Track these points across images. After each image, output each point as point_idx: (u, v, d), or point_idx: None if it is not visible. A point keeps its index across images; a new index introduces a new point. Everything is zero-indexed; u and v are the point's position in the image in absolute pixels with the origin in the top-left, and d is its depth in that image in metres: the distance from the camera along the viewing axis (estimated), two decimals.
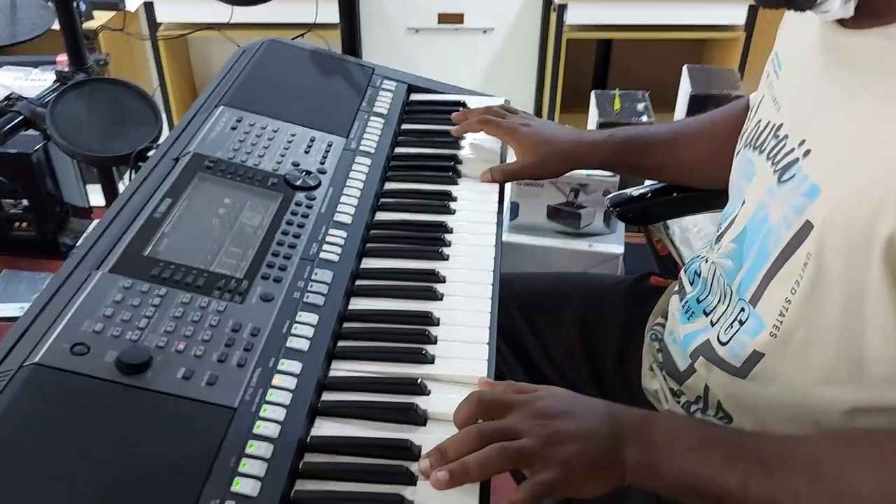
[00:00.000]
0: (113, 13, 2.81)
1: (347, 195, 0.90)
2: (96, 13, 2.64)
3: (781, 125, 0.71)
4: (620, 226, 1.80)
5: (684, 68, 2.41)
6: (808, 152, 0.65)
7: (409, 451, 0.64)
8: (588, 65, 3.13)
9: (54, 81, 1.46)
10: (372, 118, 1.03)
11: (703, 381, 0.78)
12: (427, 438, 0.65)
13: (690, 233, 1.40)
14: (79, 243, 1.89)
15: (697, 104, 2.20)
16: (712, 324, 0.77)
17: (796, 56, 0.73)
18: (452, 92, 1.15)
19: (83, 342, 0.65)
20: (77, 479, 0.57)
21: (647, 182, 1.08)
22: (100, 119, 1.37)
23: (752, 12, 2.74)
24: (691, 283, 0.84)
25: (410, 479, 0.62)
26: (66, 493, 0.56)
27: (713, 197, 1.01)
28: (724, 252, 0.77)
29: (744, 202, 0.75)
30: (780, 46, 0.79)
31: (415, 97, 1.13)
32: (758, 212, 0.71)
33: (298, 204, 0.86)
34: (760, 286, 0.69)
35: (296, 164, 0.91)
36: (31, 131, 1.46)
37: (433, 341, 0.75)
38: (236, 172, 0.88)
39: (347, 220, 0.87)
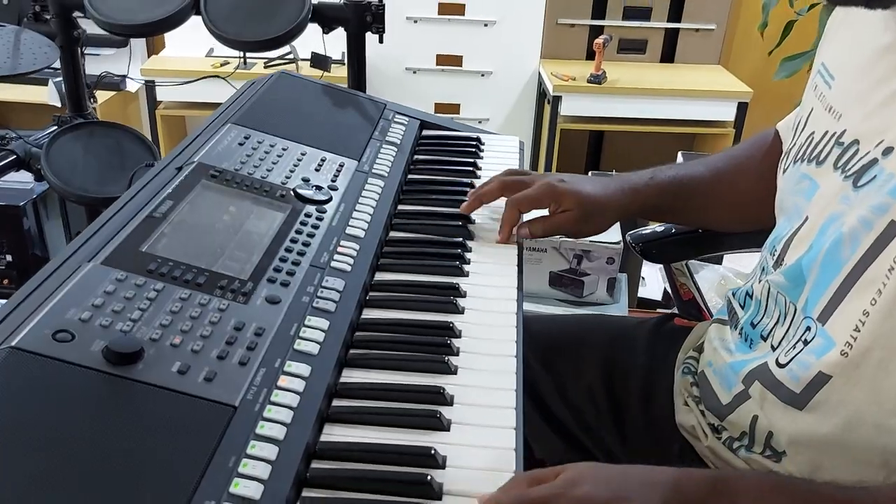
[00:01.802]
0: (113, 93, 2.84)
1: (360, 211, 0.85)
2: (97, 93, 2.65)
3: (844, 131, 0.68)
4: (624, 295, 1.75)
5: (679, 154, 2.44)
6: (889, 150, 0.61)
7: (433, 458, 0.56)
8: (581, 150, 3.18)
9: (52, 125, 1.42)
10: (385, 146, 1.00)
11: (750, 414, 0.71)
12: (452, 450, 0.58)
13: (715, 284, 1.35)
14: None
15: None
16: (773, 348, 0.71)
17: (854, 62, 0.71)
18: (465, 130, 1.12)
19: (67, 329, 0.58)
20: (54, 473, 0.48)
21: None
22: (97, 161, 1.33)
23: (741, 109, 2.81)
24: (742, 307, 0.78)
25: (433, 492, 0.54)
26: (41, 486, 0.47)
27: (739, 236, 0.97)
28: (782, 270, 0.71)
29: (806, 218, 0.70)
30: (827, 57, 0.76)
31: (427, 132, 1.10)
32: (828, 224, 0.66)
33: (308, 215, 0.81)
34: (833, 301, 0.63)
35: (306, 180, 0.87)
36: (22, 183, 1.42)
37: (455, 353, 0.68)
38: (243, 182, 0.83)
39: (360, 234, 0.81)
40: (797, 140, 0.76)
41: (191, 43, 2.83)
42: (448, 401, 0.63)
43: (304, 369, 0.62)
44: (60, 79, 2.20)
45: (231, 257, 0.72)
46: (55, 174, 1.28)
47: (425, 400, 0.62)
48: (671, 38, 3.06)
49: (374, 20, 1.37)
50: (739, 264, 1.86)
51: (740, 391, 0.72)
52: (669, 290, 1.04)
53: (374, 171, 0.93)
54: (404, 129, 1.06)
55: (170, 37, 2.96)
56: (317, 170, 0.90)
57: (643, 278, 2.28)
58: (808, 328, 0.65)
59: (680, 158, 2.43)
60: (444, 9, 2.90)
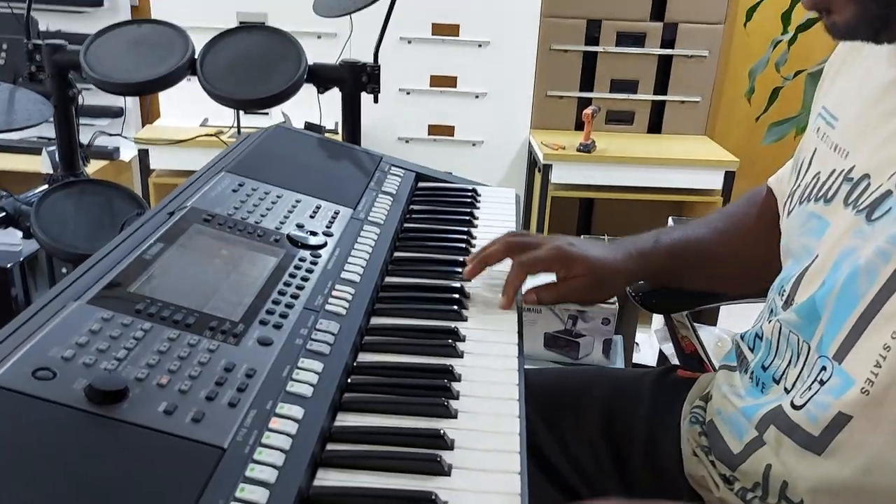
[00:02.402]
0: (106, 162, 2.85)
1: (355, 256, 0.83)
2: (91, 162, 2.67)
3: (853, 167, 0.67)
4: (620, 357, 1.72)
5: (670, 219, 2.45)
6: None
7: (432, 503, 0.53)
8: (572, 216, 3.20)
9: (43, 183, 1.41)
10: (381, 195, 0.99)
11: (764, 462, 0.68)
12: (453, 496, 0.54)
13: (712, 345, 1.32)
14: None
15: None
16: (787, 390, 0.68)
17: (858, 100, 0.71)
18: (462, 183, 1.12)
19: (48, 367, 0.55)
20: None
21: None
22: (87, 218, 1.32)
23: (728, 178, 2.85)
24: (752, 349, 0.76)
25: None
26: None
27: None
28: (795, 308, 0.69)
29: (817, 255, 0.69)
30: (827, 101, 0.77)
31: (423, 184, 1.09)
32: (843, 259, 0.64)
33: (302, 259, 0.79)
34: (850, 337, 0.61)
35: (300, 226, 0.85)
36: (10, 245, 1.40)
37: (455, 396, 0.65)
38: (236, 227, 0.81)
39: (355, 278, 0.79)
40: (801, 181, 0.75)
41: (185, 113, 2.86)
42: (449, 445, 0.59)
43: (296, 411, 0.59)
44: (54, 147, 2.21)
45: (222, 299, 0.69)
46: (44, 231, 1.27)
47: (425, 444, 0.59)
48: (658, 109, 3.13)
49: (369, 80, 1.39)
50: (735, 326, 1.84)
51: (753, 438, 0.70)
52: (671, 342, 1.01)
53: (369, 218, 0.92)
54: (400, 180, 1.05)
55: (164, 106, 3.00)
56: (311, 216, 0.88)
57: (637, 344, 2.26)
58: (824, 367, 0.63)
59: (671, 224, 2.45)
60: (435, 81, 2.96)
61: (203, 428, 0.54)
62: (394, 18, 1.38)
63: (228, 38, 1.38)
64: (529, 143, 2.99)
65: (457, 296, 0.80)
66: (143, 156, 2.78)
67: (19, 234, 1.34)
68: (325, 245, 0.83)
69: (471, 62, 2.96)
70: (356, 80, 1.39)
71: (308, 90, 1.41)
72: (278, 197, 0.90)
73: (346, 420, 0.62)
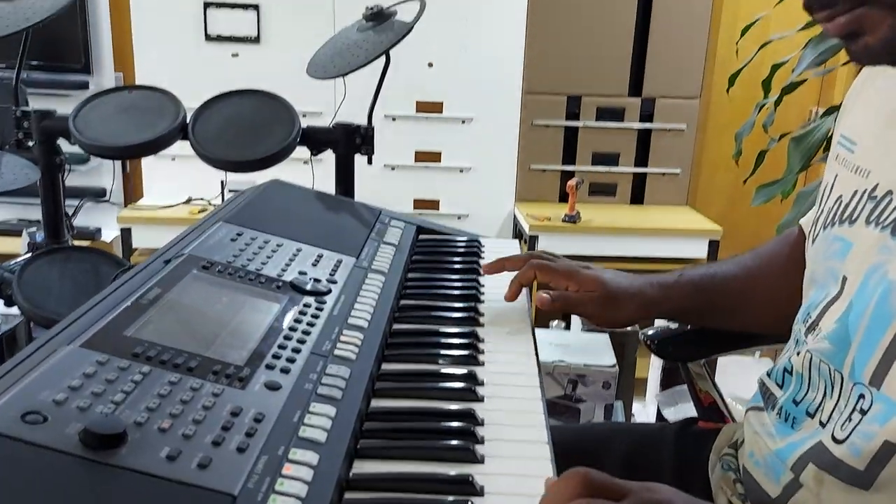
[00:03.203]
0: (88, 242, 2.80)
1: (361, 303, 0.79)
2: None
3: (876, 185, 0.66)
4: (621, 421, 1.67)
5: None
6: None
7: None
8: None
9: (27, 251, 1.37)
10: (383, 245, 0.96)
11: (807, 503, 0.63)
12: None
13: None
14: None
15: None
16: (822, 424, 0.64)
17: (878, 121, 0.70)
18: (463, 235, 1.09)
19: (38, 411, 0.50)
20: None
21: None
22: (72, 284, 1.27)
23: (713, 246, 2.87)
24: (780, 385, 0.72)
25: None
26: None
27: (758, 333, 0.92)
28: (822, 335, 0.66)
29: (844, 278, 0.66)
30: (845, 128, 0.76)
31: (425, 236, 1.06)
32: (869, 278, 0.62)
33: (307, 305, 0.75)
34: (885, 359, 0.58)
35: (303, 273, 0.81)
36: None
37: (480, 441, 0.60)
38: (236, 274, 0.77)
39: (363, 324, 0.75)
40: (824, 207, 0.74)
41: (169, 192, 2.84)
42: (479, 491, 0.54)
43: (311, 457, 0.54)
44: (35, 228, 2.16)
45: (224, 344, 0.65)
46: (27, 298, 1.21)
47: (452, 491, 0.54)
48: (639, 181, 3.16)
49: (363, 142, 1.38)
50: (736, 387, 1.79)
51: (790, 480, 0.65)
52: (689, 393, 0.97)
53: (373, 267, 0.89)
54: (401, 232, 1.02)
55: (148, 186, 2.98)
56: (314, 265, 0.84)
57: (633, 415, 2.19)
58: (862, 395, 0.59)
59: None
60: (420, 156, 2.99)
61: (210, 474, 0.49)
62: (378, 96, 1.38)
63: (221, 101, 1.37)
64: (514, 215, 3.00)
65: (471, 340, 0.76)
66: (126, 235, 2.75)
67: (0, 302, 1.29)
68: (329, 292, 0.79)
69: (455, 138, 2.99)
70: (350, 141, 1.38)
71: (300, 154, 1.40)
72: (278, 245, 0.86)
73: (365, 467, 0.57)
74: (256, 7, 2.88)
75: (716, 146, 3.24)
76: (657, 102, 3.13)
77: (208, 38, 2.88)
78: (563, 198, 2.95)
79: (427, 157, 2.99)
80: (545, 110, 3.07)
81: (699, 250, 2.87)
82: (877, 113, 0.70)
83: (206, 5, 2.86)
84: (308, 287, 0.78)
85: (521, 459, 0.59)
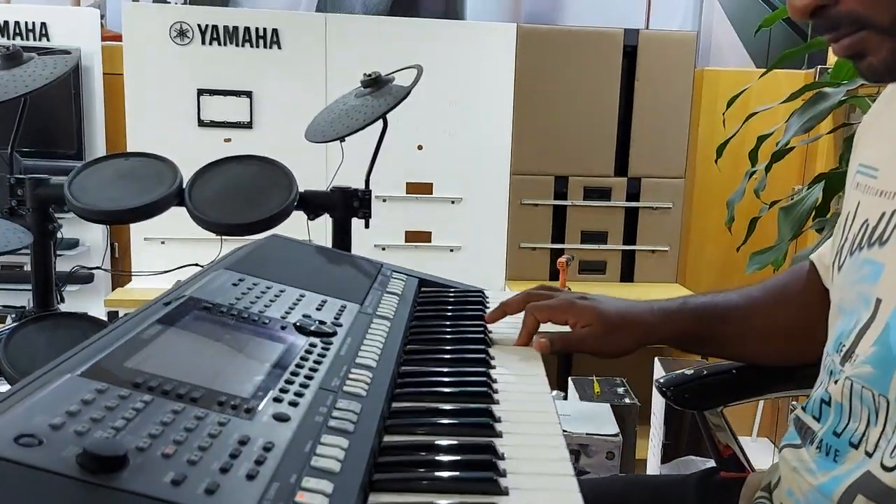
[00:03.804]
0: None
1: (368, 344, 0.76)
2: None
3: None
4: None
5: (656, 360, 2.42)
6: None
7: None
8: (551, 363, 3.12)
9: (14, 319, 1.33)
10: (386, 294, 0.93)
11: None
12: None
13: None
14: None
15: None
16: (868, 454, 0.61)
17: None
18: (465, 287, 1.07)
19: (33, 434, 0.47)
20: None
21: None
22: (61, 353, 1.22)
23: None
24: (818, 419, 0.69)
25: None
26: None
27: (776, 378, 0.90)
28: (861, 361, 0.64)
29: (878, 300, 0.65)
30: (863, 158, 0.76)
31: (428, 288, 1.04)
32: None
33: (313, 345, 0.72)
34: None
35: (307, 316, 0.79)
36: None
37: (502, 474, 0.57)
38: (239, 315, 0.75)
39: (371, 363, 0.72)
40: (848, 234, 0.73)
41: (157, 277, 2.82)
42: None
43: (325, 485, 0.50)
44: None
45: (228, 378, 0.62)
46: (13, 366, 1.17)
47: None
48: (628, 258, 3.18)
49: (360, 206, 1.37)
50: None
51: None
52: (708, 445, 0.93)
53: (378, 313, 0.86)
54: (404, 283, 1.00)
55: (137, 270, 2.95)
56: (317, 309, 0.82)
57: None
58: None
59: (657, 365, 2.40)
60: (410, 236, 3.00)
61: (219, 499, 0.45)
62: (374, 165, 1.40)
63: (218, 167, 1.37)
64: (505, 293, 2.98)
65: (483, 378, 0.73)
66: (113, 318, 2.70)
67: None
68: (335, 333, 0.76)
69: (444, 218, 3.01)
70: (347, 205, 1.38)
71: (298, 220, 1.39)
72: (281, 291, 0.84)
73: (382, 499, 0.53)
74: (249, 94, 2.94)
75: (702, 222, 3.29)
76: (643, 182, 3.19)
77: (201, 123, 2.93)
78: (554, 276, 2.95)
79: (417, 237, 3.01)
80: (533, 190, 3.11)
81: None
82: (894, 134, 0.71)
83: (200, 92, 2.92)
84: (313, 328, 0.75)
85: (547, 491, 0.55)
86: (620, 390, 2.18)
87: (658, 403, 2.29)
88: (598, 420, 1.62)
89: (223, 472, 0.48)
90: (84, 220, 1.29)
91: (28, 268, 2.77)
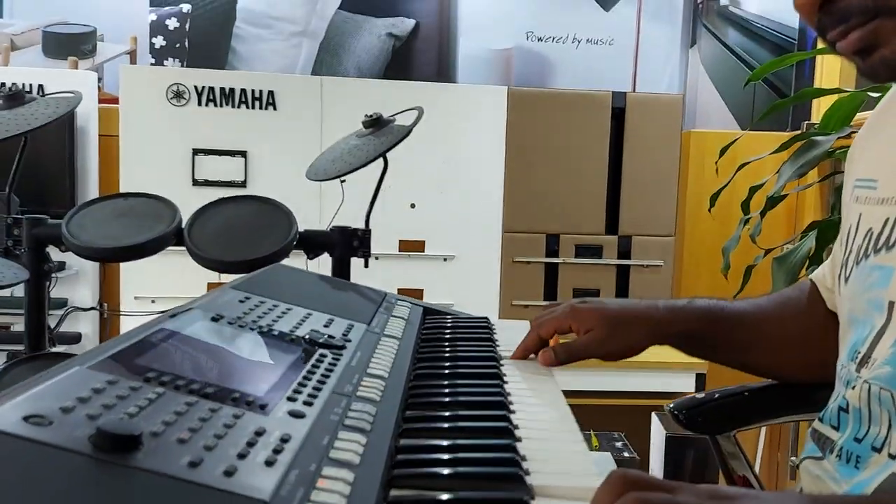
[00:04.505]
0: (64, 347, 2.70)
1: (379, 357, 0.75)
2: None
3: None
4: None
5: (653, 414, 2.39)
6: None
7: None
8: None
9: (5, 362, 1.30)
10: (392, 318, 0.92)
11: None
12: None
13: None
14: None
15: (674, 444, 2.17)
16: (892, 456, 0.60)
17: (893, 154, 0.71)
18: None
19: (43, 415, 0.45)
20: None
21: None
22: None
23: (700, 380, 2.85)
24: (836, 427, 0.68)
25: None
26: None
27: (790, 400, 0.89)
28: (880, 363, 0.63)
29: (891, 304, 0.64)
30: (859, 172, 0.76)
31: (433, 316, 1.03)
32: None
33: (323, 356, 0.70)
34: None
35: (315, 331, 0.77)
36: None
37: (526, 472, 0.55)
38: (248, 326, 0.73)
39: (383, 373, 0.70)
40: (852, 246, 0.73)
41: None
42: None
43: (346, 474, 0.48)
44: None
45: (240, 380, 0.60)
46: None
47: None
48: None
49: (360, 245, 1.37)
50: None
51: None
52: (723, 475, 0.91)
53: (385, 333, 0.85)
54: (409, 310, 0.99)
55: (125, 328, 2.91)
56: (325, 326, 0.80)
57: None
58: None
59: (654, 419, 2.37)
60: (403, 294, 2.98)
61: (238, 480, 0.43)
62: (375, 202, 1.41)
63: (218, 206, 1.37)
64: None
65: (498, 389, 0.71)
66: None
67: None
68: (345, 347, 0.74)
69: (437, 275, 3.01)
70: (347, 245, 1.37)
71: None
72: (288, 309, 0.83)
73: (405, 493, 0.51)
74: (244, 154, 2.97)
75: (693, 280, 3.30)
76: (633, 240, 3.22)
77: (195, 182, 2.94)
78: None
79: (410, 295, 2.98)
80: (525, 247, 3.13)
81: (687, 384, 2.84)
82: (891, 143, 0.72)
83: (195, 152, 2.94)
84: (322, 341, 0.74)
85: (574, 489, 0.53)
86: (619, 444, 2.14)
87: (657, 459, 2.25)
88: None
89: (241, 457, 0.46)
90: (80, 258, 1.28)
91: (15, 327, 2.72)
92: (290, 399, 0.58)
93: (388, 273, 2.94)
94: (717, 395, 0.90)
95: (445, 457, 0.55)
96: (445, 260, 3.04)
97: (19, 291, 2.64)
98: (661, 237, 3.23)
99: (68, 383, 0.50)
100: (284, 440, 0.50)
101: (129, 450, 0.43)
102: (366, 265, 1.39)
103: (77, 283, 2.89)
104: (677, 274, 3.27)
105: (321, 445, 0.51)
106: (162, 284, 2.75)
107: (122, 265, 2.88)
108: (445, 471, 0.52)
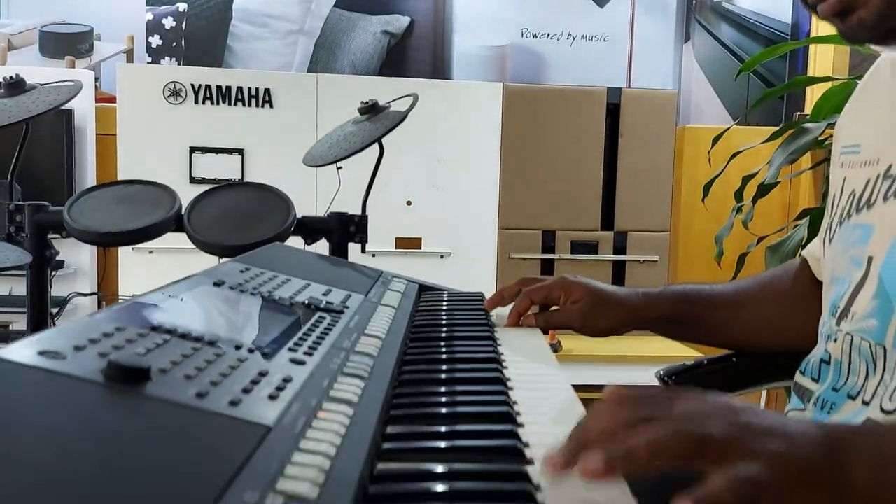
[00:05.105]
0: None
1: (376, 322, 0.77)
2: None
3: (890, 166, 0.68)
4: None
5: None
6: None
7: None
8: None
9: None
10: (389, 291, 0.94)
11: None
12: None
13: None
14: None
15: None
16: (865, 403, 0.62)
17: (879, 115, 0.73)
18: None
19: (58, 351, 0.47)
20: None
21: None
22: None
23: None
24: (816, 379, 0.70)
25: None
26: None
27: (777, 366, 0.91)
28: (861, 315, 0.65)
29: (870, 259, 0.67)
30: (844, 139, 0.79)
31: (429, 291, 1.05)
32: (895, 245, 0.63)
33: (322, 318, 0.72)
34: None
35: (314, 297, 0.79)
36: None
37: (515, 413, 0.57)
38: (249, 292, 0.75)
39: (381, 334, 0.72)
40: (837, 208, 0.75)
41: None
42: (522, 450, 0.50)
43: (346, 409, 0.50)
44: None
45: (243, 333, 0.62)
46: None
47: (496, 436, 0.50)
48: None
49: (357, 230, 1.39)
50: None
51: None
52: None
53: (382, 302, 0.87)
54: (405, 285, 1.01)
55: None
56: (324, 294, 0.83)
57: None
58: None
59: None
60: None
61: (243, 409, 0.45)
62: (372, 187, 1.43)
63: (217, 193, 1.39)
64: None
65: (493, 353, 0.73)
66: None
67: None
68: (343, 312, 0.77)
69: (433, 272, 3.03)
70: (344, 230, 1.39)
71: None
72: (287, 280, 0.85)
73: (401, 429, 0.53)
74: (241, 151, 2.99)
75: (688, 275, 3.32)
76: (629, 236, 3.24)
77: (193, 180, 2.95)
78: (543, 329, 2.96)
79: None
80: (521, 244, 3.15)
81: None
82: (877, 108, 0.74)
83: (192, 150, 2.96)
84: (321, 306, 0.76)
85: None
86: None
87: None
88: None
89: (245, 392, 0.48)
90: (79, 243, 1.30)
91: (14, 326, 2.73)
92: (291, 350, 0.60)
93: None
94: (705, 362, 0.93)
95: (443, 399, 0.57)
96: (442, 257, 3.06)
97: (18, 290, 2.66)
98: (656, 232, 3.26)
99: (79, 328, 0.52)
100: (286, 381, 0.52)
101: (140, 381, 0.45)
102: (363, 250, 1.41)
103: (76, 280, 2.91)
104: (673, 269, 3.30)
105: (321, 387, 0.53)
106: (159, 283, 2.77)
107: (120, 262, 2.90)
108: (443, 410, 0.54)
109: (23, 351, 0.45)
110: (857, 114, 0.80)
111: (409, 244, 3.08)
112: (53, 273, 2.57)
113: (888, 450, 0.44)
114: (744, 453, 0.40)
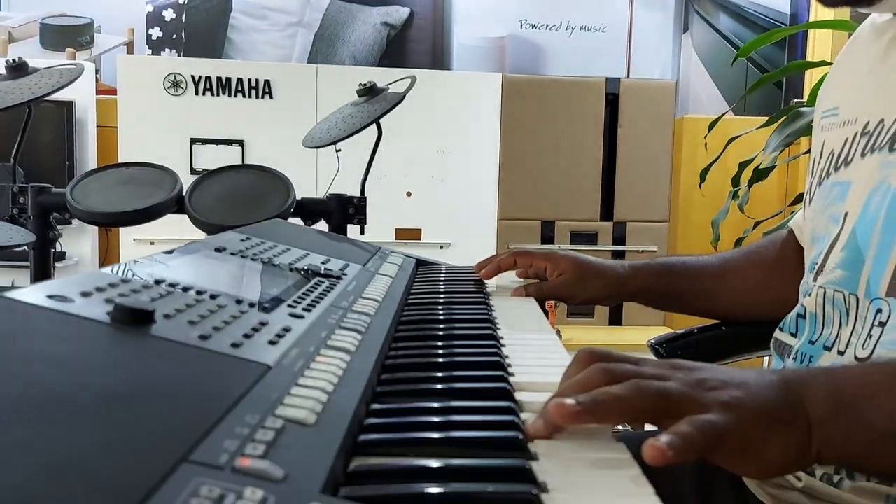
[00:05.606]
0: None
1: (373, 287, 0.78)
2: None
3: (868, 122, 0.69)
4: None
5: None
6: None
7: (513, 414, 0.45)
8: None
9: None
10: (386, 263, 0.96)
11: None
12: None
13: None
14: None
15: None
16: (841, 353, 0.64)
17: (856, 78, 0.75)
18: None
19: (66, 295, 0.48)
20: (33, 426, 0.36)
21: None
22: None
23: None
24: (794, 334, 0.72)
25: (523, 449, 0.43)
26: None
27: (767, 333, 0.92)
28: (833, 267, 0.67)
29: (846, 214, 0.68)
30: (824, 105, 0.80)
31: (426, 266, 1.07)
32: (871, 198, 0.64)
33: (321, 282, 0.74)
34: None
35: (313, 265, 0.81)
36: None
37: (507, 365, 0.59)
38: (249, 258, 0.77)
39: (378, 297, 0.74)
40: (817, 170, 0.76)
41: None
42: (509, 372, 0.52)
43: (343, 356, 0.52)
44: None
45: (244, 291, 0.64)
46: None
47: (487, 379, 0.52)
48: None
49: (356, 212, 1.41)
50: None
51: None
52: None
53: (380, 272, 0.89)
54: (402, 259, 1.03)
55: None
56: (322, 263, 0.84)
57: None
58: (880, 310, 0.60)
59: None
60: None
61: (244, 350, 0.47)
62: (370, 171, 1.45)
63: (218, 174, 1.41)
64: None
65: (488, 316, 0.75)
66: None
67: None
68: (341, 278, 0.78)
69: None
70: (343, 212, 1.41)
71: None
72: (286, 249, 0.86)
73: (398, 375, 0.55)
74: (241, 142, 3.01)
75: None
76: (628, 226, 3.26)
77: (193, 171, 2.97)
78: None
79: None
80: (521, 234, 3.17)
81: None
82: (854, 72, 0.75)
83: (193, 141, 2.98)
84: (320, 272, 0.78)
85: (552, 384, 0.57)
86: None
87: None
88: None
89: (246, 337, 0.50)
90: (81, 225, 1.31)
91: None
92: (290, 306, 0.62)
93: None
94: (695, 330, 0.95)
95: (440, 352, 0.59)
96: (442, 248, 3.08)
97: (21, 281, 2.68)
98: (655, 222, 3.27)
99: (85, 278, 0.54)
100: (286, 330, 0.54)
101: (145, 322, 0.47)
102: (361, 232, 1.43)
103: (77, 271, 2.93)
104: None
105: (319, 337, 0.55)
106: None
107: (121, 252, 2.92)
108: (440, 360, 0.56)
109: (32, 294, 0.47)
110: (836, 79, 0.81)
111: (408, 235, 3.10)
112: (55, 265, 2.60)
113: (841, 382, 0.47)
114: (700, 405, 0.43)
